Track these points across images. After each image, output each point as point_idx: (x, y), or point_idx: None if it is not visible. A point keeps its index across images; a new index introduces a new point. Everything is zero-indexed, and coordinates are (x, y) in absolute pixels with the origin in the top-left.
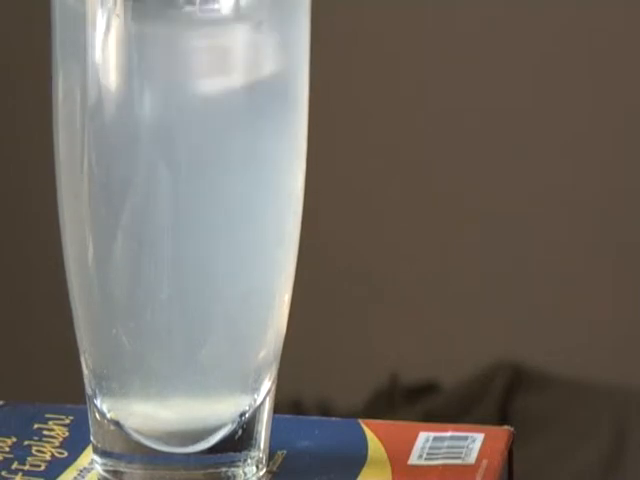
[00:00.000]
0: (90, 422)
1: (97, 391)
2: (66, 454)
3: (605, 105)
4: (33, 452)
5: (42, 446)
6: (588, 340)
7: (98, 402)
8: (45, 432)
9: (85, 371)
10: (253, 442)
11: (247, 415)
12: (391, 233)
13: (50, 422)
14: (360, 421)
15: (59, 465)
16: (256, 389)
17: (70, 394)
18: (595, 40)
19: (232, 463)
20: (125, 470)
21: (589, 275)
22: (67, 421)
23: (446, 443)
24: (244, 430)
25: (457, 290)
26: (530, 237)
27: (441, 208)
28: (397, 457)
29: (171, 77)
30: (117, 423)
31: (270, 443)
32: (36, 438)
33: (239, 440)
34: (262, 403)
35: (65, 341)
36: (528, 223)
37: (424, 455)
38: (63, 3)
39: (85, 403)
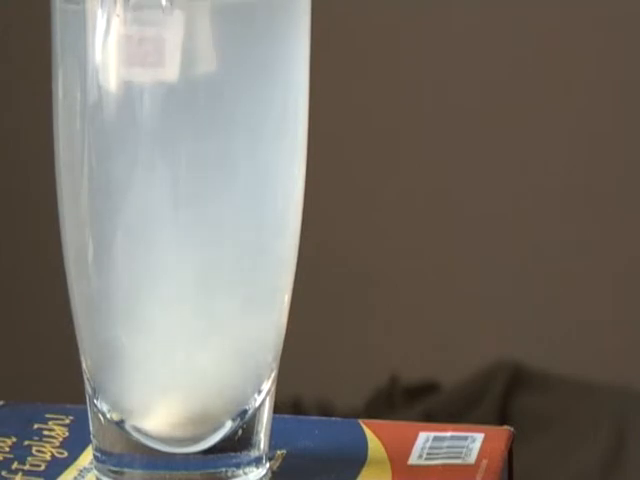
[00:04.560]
0: (90, 422)
1: (97, 391)
2: (66, 454)
3: (605, 105)
4: (33, 452)
5: (42, 446)
6: (588, 340)
7: (98, 402)
8: (45, 432)
9: (85, 371)
10: (253, 442)
11: (247, 415)
12: (391, 233)
13: (50, 422)
14: (360, 421)
15: (59, 465)
16: (256, 389)
17: (70, 394)
18: (595, 40)
19: (232, 463)
20: (125, 470)
21: (589, 275)
22: (67, 421)
23: (446, 443)
24: (244, 430)
25: (457, 290)
26: (530, 237)
27: (441, 208)
28: (397, 457)
29: (172, 77)
30: (117, 423)
31: (270, 443)
32: (36, 438)
33: (239, 440)
34: (262, 403)
35: (65, 341)
36: (528, 223)
37: (424, 455)
38: (63, 3)
39: (85, 403)
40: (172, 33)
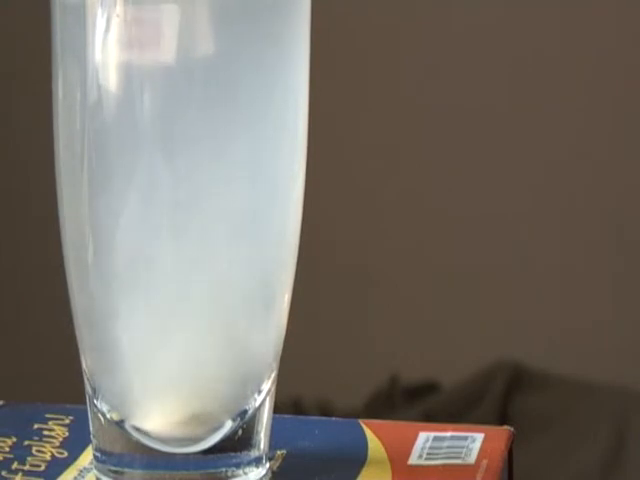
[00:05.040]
0: (90, 422)
1: (97, 391)
2: (66, 454)
3: (604, 104)
4: (33, 452)
5: (42, 446)
6: (588, 340)
7: (98, 402)
8: (45, 432)
9: (85, 371)
10: (253, 442)
11: (247, 415)
12: (391, 233)
13: (50, 422)
14: (360, 421)
15: (59, 465)
16: (256, 389)
17: (70, 394)
18: (595, 40)
19: (232, 463)
20: (125, 470)
21: (589, 275)
22: (67, 421)
23: (446, 443)
24: (244, 430)
25: (457, 290)
26: (530, 237)
27: (441, 208)
28: (397, 457)
29: (171, 77)
30: (117, 423)
31: (270, 443)
32: (36, 438)
33: (239, 440)
34: (262, 403)
35: (65, 341)
36: (528, 223)
37: (424, 455)
38: (63, 3)
39: (85, 403)
40: (170, 16)
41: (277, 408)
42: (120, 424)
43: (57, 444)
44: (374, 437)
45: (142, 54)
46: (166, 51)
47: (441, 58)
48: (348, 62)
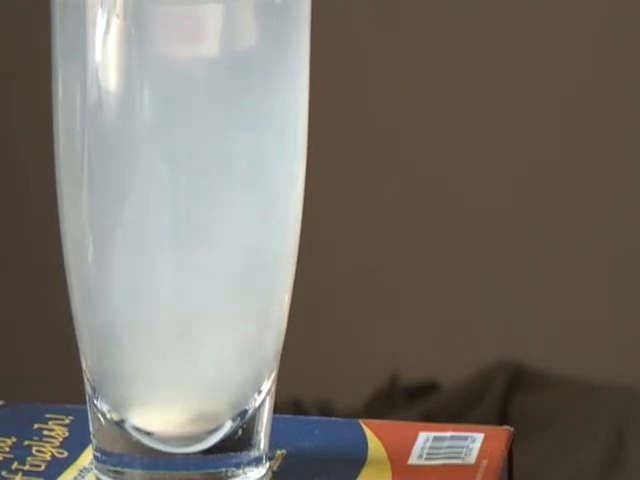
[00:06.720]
0: (90, 422)
1: (97, 391)
2: (66, 454)
3: (604, 104)
4: (33, 452)
5: (42, 446)
6: (588, 340)
7: (98, 402)
8: (45, 432)
9: (85, 371)
10: (253, 442)
11: (247, 415)
12: (391, 233)
13: (50, 422)
14: (360, 421)
15: (59, 465)
16: (256, 389)
17: (70, 394)
18: (596, 39)
19: (232, 463)
20: (125, 470)
21: (589, 275)
22: (67, 421)
23: (446, 443)
24: (244, 430)
25: (457, 290)
26: (530, 237)
27: (441, 208)
28: (397, 457)
29: (171, 77)
30: (117, 423)
31: (270, 443)
32: (36, 438)
33: (239, 440)
34: (262, 403)
35: (65, 341)
36: (528, 223)
37: (424, 455)
38: (63, 3)
39: (85, 403)
40: (171, 18)
41: (277, 408)
42: (120, 424)
43: (57, 444)
44: (374, 437)
45: (144, 54)
46: (168, 51)
47: (441, 58)
48: (348, 62)
